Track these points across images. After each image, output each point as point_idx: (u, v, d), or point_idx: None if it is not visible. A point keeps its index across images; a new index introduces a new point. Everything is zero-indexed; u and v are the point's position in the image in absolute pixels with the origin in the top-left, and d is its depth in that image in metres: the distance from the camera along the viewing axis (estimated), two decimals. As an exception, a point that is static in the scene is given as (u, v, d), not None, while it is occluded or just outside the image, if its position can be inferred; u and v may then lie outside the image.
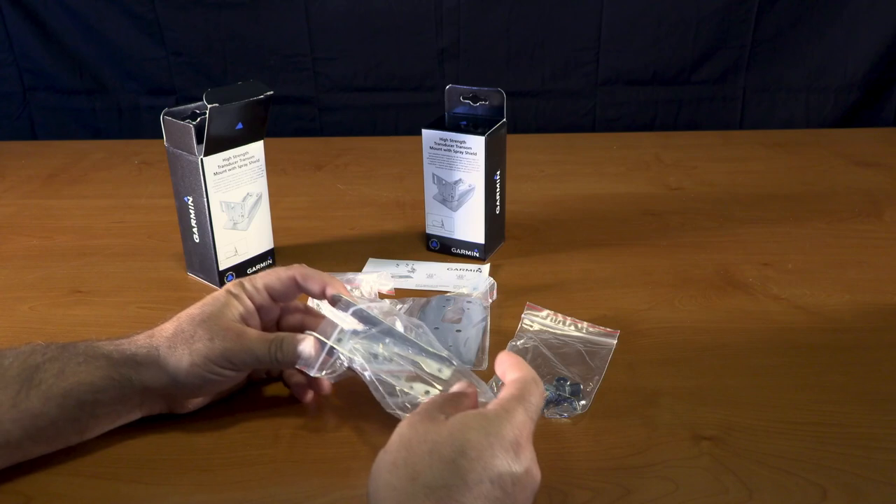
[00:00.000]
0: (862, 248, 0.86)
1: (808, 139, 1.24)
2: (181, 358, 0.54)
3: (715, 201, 1.00)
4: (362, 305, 0.58)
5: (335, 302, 0.59)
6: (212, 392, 0.58)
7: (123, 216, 0.99)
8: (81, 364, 0.54)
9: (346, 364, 0.56)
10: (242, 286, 0.58)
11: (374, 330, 0.57)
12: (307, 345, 0.55)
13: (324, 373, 0.56)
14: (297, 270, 0.59)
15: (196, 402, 0.59)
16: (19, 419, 0.51)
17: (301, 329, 0.60)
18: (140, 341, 0.56)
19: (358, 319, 0.58)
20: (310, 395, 0.60)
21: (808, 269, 0.82)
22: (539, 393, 0.50)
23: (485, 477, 0.43)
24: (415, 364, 0.56)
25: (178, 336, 0.55)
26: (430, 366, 0.56)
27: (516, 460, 0.45)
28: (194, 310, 0.57)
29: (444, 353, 0.57)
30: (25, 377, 0.52)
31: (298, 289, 0.60)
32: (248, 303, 0.58)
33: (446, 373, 0.56)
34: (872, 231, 0.91)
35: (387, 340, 0.57)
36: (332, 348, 0.56)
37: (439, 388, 0.55)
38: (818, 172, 1.10)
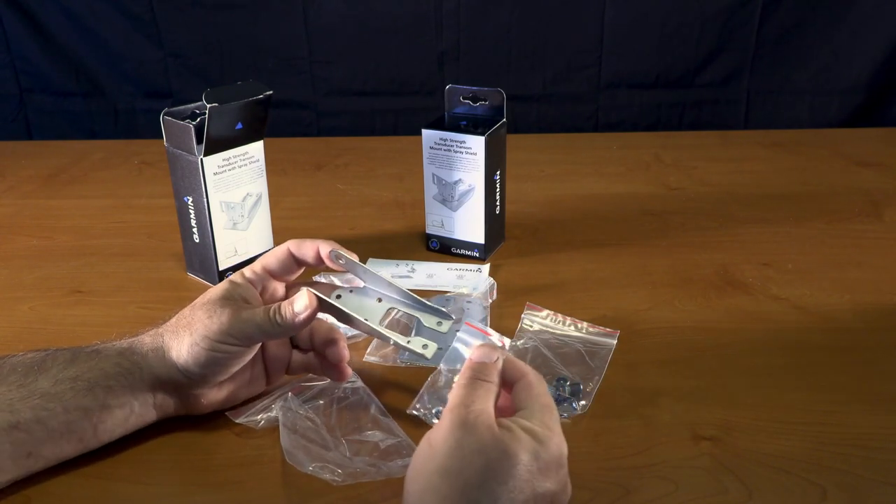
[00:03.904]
0: (862, 248, 0.86)
1: (808, 139, 1.24)
2: (182, 339, 0.55)
3: (715, 201, 1.00)
4: (360, 263, 0.60)
5: (335, 258, 0.59)
6: (221, 374, 0.56)
7: (123, 216, 0.99)
8: (91, 353, 0.55)
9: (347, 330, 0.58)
10: (241, 273, 0.60)
11: (372, 286, 0.60)
12: (302, 300, 0.55)
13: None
14: (289, 243, 0.60)
15: (210, 399, 0.58)
16: (28, 398, 0.51)
17: None
18: (147, 333, 0.58)
19: (356, 276, 0.60)
20: (347, 373, 0.61)
21: (808, 269, 0.82)
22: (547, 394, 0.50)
23: (531, 496, 0.44)
24: (412, 318, 0.59)
25: (179, 322, 0.57)
26: (429, 320, 0.59)
27: (557, 480, 0.46)
28: (196, 300, 0.58)
29: (442, 308, 0.59)
30: (35, 363, 0.54)
31: (296, 261, 0.60)
32: (249, 286, 0.58)
33: (445, 326, 0.58)
34: (872, 231, 0.91)
35: (385, 295, 0.60)
36: (339, 308, 0.57)
37: (436, 344, 0.57)
38: (818, 172, 1.10)
